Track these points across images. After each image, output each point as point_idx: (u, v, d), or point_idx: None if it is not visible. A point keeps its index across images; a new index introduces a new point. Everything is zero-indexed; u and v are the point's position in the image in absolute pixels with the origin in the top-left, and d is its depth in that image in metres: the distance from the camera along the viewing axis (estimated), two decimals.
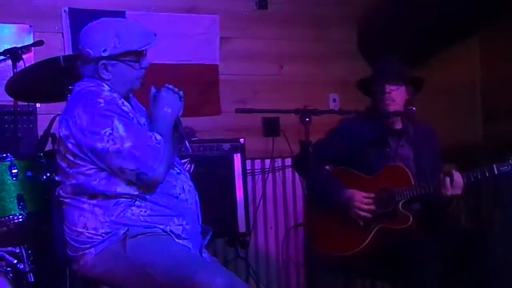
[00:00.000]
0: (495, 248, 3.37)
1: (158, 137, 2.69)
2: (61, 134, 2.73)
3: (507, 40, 5.00)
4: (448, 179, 3.37)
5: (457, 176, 3.37)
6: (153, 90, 2.86)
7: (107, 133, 2.62)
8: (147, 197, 2.72)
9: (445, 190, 3.37)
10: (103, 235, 2.69)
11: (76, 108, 2.68)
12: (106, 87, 2.78)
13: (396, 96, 3.60)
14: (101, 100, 2.69)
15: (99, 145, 2.62)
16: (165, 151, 2.68)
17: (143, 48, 2.82)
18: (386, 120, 3.64)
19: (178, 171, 2.88)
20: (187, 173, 2.94)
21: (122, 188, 2.69)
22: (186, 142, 2.89)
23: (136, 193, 2.70)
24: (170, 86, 2.86)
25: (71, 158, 2.70)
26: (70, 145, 2.68)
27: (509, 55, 5.05)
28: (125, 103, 2.79)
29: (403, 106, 3.62)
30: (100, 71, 2.77)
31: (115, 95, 2.77)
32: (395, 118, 3.65)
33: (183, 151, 3.04)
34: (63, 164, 2.76)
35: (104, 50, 2.74)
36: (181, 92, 2.88)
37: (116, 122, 2.64)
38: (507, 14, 4.58)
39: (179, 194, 2.80)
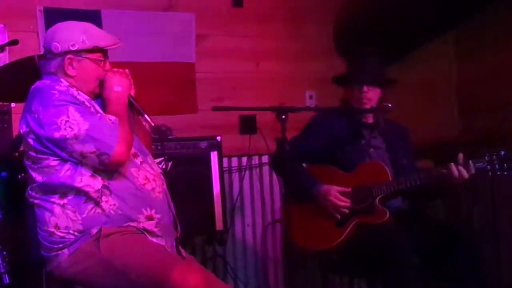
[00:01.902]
0: (473, 244, 3.41)
1: (112, 117, 2.73)
2: (21, 132, 2.75)
3: (482, 35, 5.03)
4: (458, 168, 3.39)
5: (469, 164, 3.40)
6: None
7: (64, 121, 2.64)
8: (112, 190, 2.72)
9: (454, 178, 3.39)
10: (76, 234, 2.69)
11: (32, 103, 2.71)
12: (64, 83, 2.80)
13: (372, 96, 3.67)
14: (55, 92, 2.72)
15: (57, 134, 2.64)
16: (122, 129, 2.72)
17: (110, 46, 2.87)
18: (360, 116, 3.69)
19: (142, 160, 2.87)
20: (151, 161, 2.94)
21: (86, 179, 2.70)
22: (146, 116, 2.89)
23: (100, 186, 2.70)
24: (115, 69, 2.89)
25: (34, 154, 2.72)
26: (31, 141, 2.71)
27: (484, 50, 5.10)
28: (81, 93, 2.81)
29: (377, 103, 3.67)
30: (66, 66, 2.80)
31: (72, 89, 2.78)
32: (368, 114, 3.70)
33: (153, 132, 3.05)
34: (28, 163, 2.77)
35: (73, 45, 2.78)
36: (126, 70, 2.91)
37: (72, 110, 2.67)
38: (482, 9, 4.61)
39: (144, 184, 2.80)
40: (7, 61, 3.83)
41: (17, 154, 3.33)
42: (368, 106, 3.65)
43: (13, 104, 4.11)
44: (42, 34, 4.33)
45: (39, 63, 3.06)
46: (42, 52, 4.13)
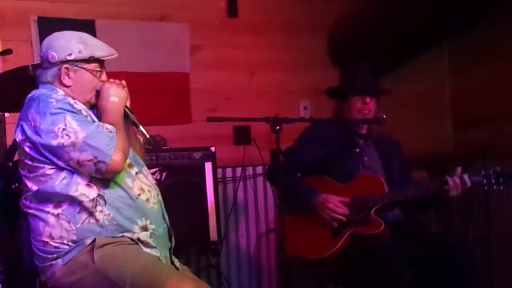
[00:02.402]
0: (467, 258, 3.41)
1: (110, 126, 2.73)
2: (17, 140, 2.75)
3: (475, 49, 5.06)
4: (455, 180, 3.41)
5: (464, 177, 3.42)
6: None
7: (61, 129, 2.64)
8: (107, 200, 2.72)
9: (450, 191, 3.42)
10: (70, 244, 2.69)
11: (29, 111, 2.71)
12: (60, 92, 2.80)
13: (372, 106, 3.70)
14: (52, 100, 2.71)
15: (54, 142, 2.64)
16: (119, 139, 2.72)
17: (107, 57, 2.86)
18: (354, 127, 3.71)
19: (137, 171, 2.87)
20: (146, 173, 2.94)
21: (82, 188, 2.70)
22: (141, 127, 2.90)
23: (95, 195, 2.70)
24: (112, 80, 2.88)
25: (30, 162, 2.72)
26: (27, 149, 2.70)
27: (477, 64, 5.12)
28: (78, 102, 2.81)
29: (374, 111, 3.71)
30: (62, 76, 2.80)
31: (69, 98, 2.79)
32: (362, 125, 3.71)
33: (146, 143, 3.05)
34: (24, 172, 2.77)
35: (70, 54, 2.77)
36: (123, 82, 2.91)
37: (69, 118, 2.67)
38: (476, 22, 4.63)
39: (138, 194, 2.80)
40: (1, 71, 3.82)
41: (11, 163, 3.33)
42: (369, 117, 3.68)
43: (7, 114, 4.11)
44: (36, 44, 4.34)
45: (34, 72, 3.06)
46: (36, 62, 4.17)
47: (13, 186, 3.18)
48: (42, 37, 4.26)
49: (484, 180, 3.44)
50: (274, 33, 5.06)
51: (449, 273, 3.36)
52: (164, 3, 4.76)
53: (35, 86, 2.88)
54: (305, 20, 5.12)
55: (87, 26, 4.31)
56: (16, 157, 3.35)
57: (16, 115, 3.85)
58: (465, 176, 3.42)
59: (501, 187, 3.43)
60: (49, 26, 4.25)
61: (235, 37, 4.95)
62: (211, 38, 4.89)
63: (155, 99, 4.61)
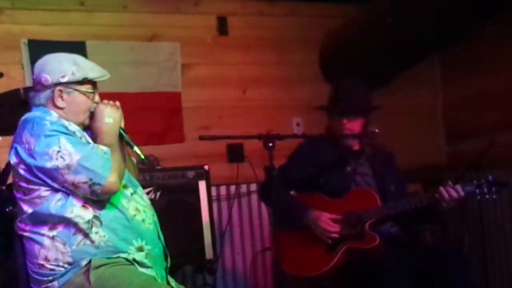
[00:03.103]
0: (463, 268, 3.41)
1: (105, 148, 2.72)
2: (11, 163, 2.74)
3: (467, 60, 5.09)
4: (448, 190, 3.41)
5: (457, 188, 3.41)
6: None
7: (55, 151, 2.63)
8: (102, 221, 2.71)
9: (443, 202, 3.42)
10: (66, 266, 2.67)
11: (23, 134, 2.70)
12: (54, 114, 2.79)
13: (353, 126, 3.67)
14: (46, 122, 2.70)
15: (49, 164, 2.63)
16: (114, 160, 2.72)
17: (100, 78, 2.86)
18: (344, 143, 3.71)
19: (133, 191, 2.87)
20: (141, 193, 2.94)
21: (77, 210, 2.68)
22: (136, 148, 2.89)
23: (91, 217, 2.69)
24: (106, 101, 2.88)
25: (25, 185, 2.71)
26: (22, 171, 2.69)
27: (469, 75, 5.14)
28: (72, 124, 2.80)
29: (361, 129, 3.69)
30: (55, 98, 2.78)
31: (63, 120, 2.78)
32: (353, 140, 3.71)
33: (140, 162, 3.05)
34: (19, 195, 2.75)
35: (63, 76, 2.77)
36: (117, 103, 2.90)
37: (63, 140, 2.66)
38: (466, 34, 4.66)
39: (134, 215, 2.80)
40: None
41: (4, 187, 3.33)
42: (353, 140, 3.69)
43: None
44: (27, 66, 4.36)
45: (26, 95, 3.07)
46: (27, 84, 4.18)
47: (7, 210, 3.19)
48: (33, 60, 4.30)
49: (477, 190, 3.43)
50: (265, 49, 5.09)
51: (446, 284, 3.35)
52: (154, 23, 4.79)
53: (27, 109, 2.88)
54: (295, 35, 5.15)
55: (78, 48, 4.34)
56: (10, 181, 3.37)
57: (9, 138, 3.87)
58: (458, 187, 3.43)
59: (494, 196, 3.43)
60: (39, 48, 4.28)
61: (226, 55, 4.98)
62: (202, 56, 4.92)
63: (147, 118, 4.62)
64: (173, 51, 4.84)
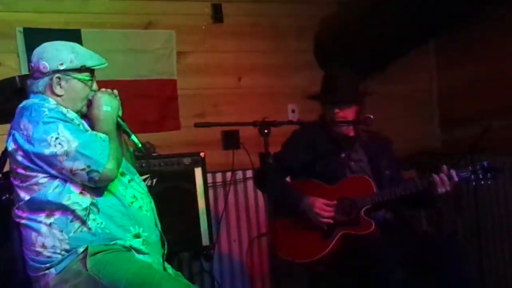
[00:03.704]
0: (458, 257, 3.43)
1: (103, 135, 2.74)
2: (9, 149, 2.74)
3: (462, 47, 5.09)
4: (442, 176, 3.42)
5: (451, 173, 3.43)
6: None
7: (54, 138, 2.64)
8: (100, 208, 2.72)
9: (438, 188, 3.43)
10: (63, 252, 2.68)
11: (21, 120, 2.70)
12: (52, 101, 2.80)
13: (346, 114, 3.68)
14: (45, 109, 2.71)
15: (47, 151, 2.64)
16: (112, 147, 2.73)
17: (98, 66, 2.87)
18: (339, 130, 3.72)
19: (130, 179, 2.89)
20: (139, 180, 2.96)
21: (74, 197, 2.70)
22: (133, 136, 2.90)
23: (88, 204, 2.70)
24: (104, 89, 2.89)
25: (22, 171, 2.71)
26: (19, 158, 2.69)
27: (464, 62, 5.15)
28: (71, 111, 2.81)
29: (355, 116, 3.70)
30: (54, 85, 2.79)
31: (61, 107, 2.79)
32: (347, 127, 3.72)
33: (137, 150, 3.06)
34: (16, 182, 2.76)
35: (61, 64, 2.78)
36: (115, 91, 2.92)
37: (61, 127, 2.67)
38: (461, 21, 4.66)
39: (131, 202, 2.81)
40: None
41: (1, 175, 3.33)
42: (346, 128, 3.70)
43: None
44: (23, 55, 4.35)
45: (21, 83, 3.07)
46: (23, 73, 4.17)
47: (3, 198, 3.19)
48: (28, 48, 4.29)
49: (472, 176, 3.45)
50: (260, 36, 5.07)
51: (440, 272, 3.37)
52: (149, 11, 4.77)
53: (23, 97, 2.89)
54: (290, 22, 5.13)
55: (73, 36, 4.32)
56: (6, 169, 3.37)
57: (4, 126, 3.88)
58: (453, 172, 3.44)
59: (489, 182, 3.45)
60: (35, 36, 4.27)
61: (221, 42, 4.97)
62: (197, 44, 4.90)
63: (143, 106, 4.62)
64: (168, 38, 4.82)
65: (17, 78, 3.35)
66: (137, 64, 4.70)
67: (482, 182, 3.46)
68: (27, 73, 4.14)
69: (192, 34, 4.89)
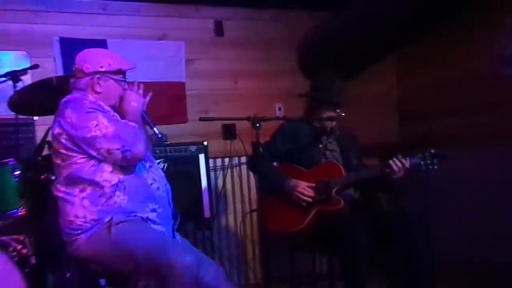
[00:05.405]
0: (412, 229, 3.42)
1: (133, 123, 2.76)
2: (54, 133, 2.74)
3: (418, 58, 5.08)
4: (396, 163, 3.42)
5: (404, 161, 3.42)
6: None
7: (94, 124, 2.65)
8: (125, 186, 2.72)
9: (394, 173, 3.42)
10: (92, 222, 2.69)
11: (65, 110, 2.70)
12: (91, 97, 2.79)
13: (331, 112, 3.68)
14: (86, 101, 2.73)
15: (89, 135, 2.64)
16: (141, 132, 2.74)
17: (130, 69, 2.90)
18: (322, 124, 3.72)
19: (150, 164, 2.89)
20: (157, 166, 2.96)
21: (106, 175, 2.70)
22: (154, 128, 2.92)
23: (116, 182, 2.70)
24: (133, 87, 2.89)
25: (64, 152, 2.71)
26: (63, 140, 2.69)
27: (420, 70, 5.14)
28: (106, 106, 2.81)
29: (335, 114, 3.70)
30: (94, 84, 2.81)
31: (99, 101, 2.79)
32: (328, 123, 3.72)
33: (156, 139, 3.06)
34: (58, 161, 2.76)
35: (102, 66, 2.81)
36: (141, 90, 2.91)
37: (100, 116, 2.68)
38: (418, 37, 4.66)
39: (151, 183, 2.82)
40: (30, 82, 3.80)
41: (40, 158, 3.31)
42: (331, 123, 3.70)
43: (35, 117, 4.10)
44: (58, 59, 4.33)
45: (58, 83, 3.06)
46: (59, 74, 4.15)
47: (41, 177, 3.17)
48: (63, 54, 4.29)
49: (422, 162, 3.44)
50: (254, 47, 5.06)
51: (395, 241, 3.37)
52: (163, 25, 4.76)
53: (59, 95, 2.88)
54: (278, 37, 5.12)
55: (100, 45, 4.32)
56: (45, 152, 3.36)
57: (43, 118, 3.88)
58: (406, 159, 3.45)
59: (436, 167, 3.43)
60: (69, 45, 4.26)
61: (221, 52, 4.95)
62: (202, 53, 4.89)
63: (157, 103, 4.53)
64: (178, 48, 4.81)
65: (54, 79, 3.34)
66: (152, 69, 4.67)
67: (430, 167, 3.44)
68: (62, 75, 4.14)
69: (198, 45, 4.87)
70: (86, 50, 2.90)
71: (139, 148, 2.70)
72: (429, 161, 3.43)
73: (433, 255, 3.74)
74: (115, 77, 2.86)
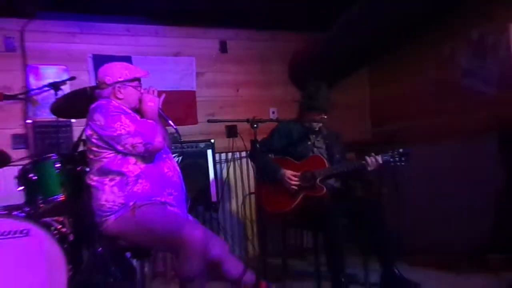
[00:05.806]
0: (381, 213, 3.44)
1: (150, 121, 2.76)
2: (86, 134, 2.75)
3: (388, 68, 5.06)
4: (371, 159, 3.41)
5: (377, 157, 3.42)
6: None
7: (119, 125, 2.66)
8: (146, 175, 2.72)
9: (368, 167, 3.42)
10: (119, 205, 2.70)
11: (94, 114, 2.71)
12: (114, 103, 2.80)
13: (320, 116, 3.66)
14: (111, 106, 2.74)
15: (116, 133, 2.65)
16: (158, 127, 2.75)
17: (144, 76, 2.90)
18: (312, 126, 3.71)
19: (165, 156, 2.89)
20: (171, 157, 2.95)
21: (131, 166, 2.70)
22: (170, 121, 2.90)
23: (138, 171, 2.70)
24: (147, 90, 2.87)
25: (96, 149, 2.72)
26: (94, 140, 2.71)
27: (388, 80, 5.13)
28: (127, 108, 2.81)
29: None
30: (116, 92, 2.81)
31: (122, 106, 2.79)
32: (317, 124, 3.71)
33: (173, 134, 3.04)
34: (91, 156, 2.77)
35: (120, 77, 2.81)
36: (155, 91, 2.89)
37: (123, 117, 2.69)
38: (387, 52, 4.65)
39: (167, 171, 2.82)
40: (68, 91, 3.80)
41: (76, 153, 3.31)
42: (317, 124, 3.69)
43: (73, 120, 4.10)
44: (91, 72, 4.33)
45: (91, 92, 3.06)
46: (92, 85, 4.14)
47: (78, 169, 3.18)
48: (95, 68, 4.28)
49: (391, 159, 3.44)
50: (252, 62, 5.04)
51: (367, 221, 3.38)
52: (177, 44, 4.75)
53: (92, 101, 2.88)
54: (272, 53, 5.10)
55: (126, 60, 4.28)
56: (80, 149, 3.36)
57: (79, 120, 3.87)
58: (378, 156, 3.45)
59: (403, 163, 3.43)
60: (100, 60, 4.25)
61: (225, 66, 4.94)
62: (209, 67, 4.87)
63: (173, 108, 4.56)
64: (190, 63, 4.80)
65: (88, 88, 3.33)
66: (169, 80, 4.67)
67: (398, 164, 3.44)
68: (94, 85, 4.13)
69: (206, 60, 4.86)
70: (105, 65, 2.90)
71: (157, 140, 2.70)
72: (397, 158, 3.43)
73: (399, 234, 3.74)
74: (132, 84, 2.85)
